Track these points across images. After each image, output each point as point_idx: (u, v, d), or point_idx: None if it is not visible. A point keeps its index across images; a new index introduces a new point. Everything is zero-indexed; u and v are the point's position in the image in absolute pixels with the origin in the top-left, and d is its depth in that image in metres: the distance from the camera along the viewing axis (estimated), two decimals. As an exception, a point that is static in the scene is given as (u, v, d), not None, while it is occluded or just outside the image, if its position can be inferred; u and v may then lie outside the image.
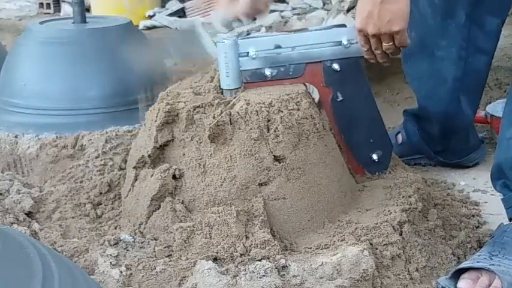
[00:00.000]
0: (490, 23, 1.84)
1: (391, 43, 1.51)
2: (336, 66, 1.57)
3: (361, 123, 1.62)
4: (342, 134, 1.60)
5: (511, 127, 1.52)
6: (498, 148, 1.57)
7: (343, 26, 1.62)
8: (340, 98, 1.59)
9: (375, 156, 1.63)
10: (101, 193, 1.67)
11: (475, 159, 2.02)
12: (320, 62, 1.57)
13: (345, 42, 1.56)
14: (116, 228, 1.55)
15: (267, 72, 1.55)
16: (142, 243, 1.42)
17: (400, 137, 2.05)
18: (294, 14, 3.79)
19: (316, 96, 1.62)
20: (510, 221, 1.55)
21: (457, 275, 1.39)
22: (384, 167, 1.66)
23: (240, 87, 1.54)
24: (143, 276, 1.30)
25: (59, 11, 4.52)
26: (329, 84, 1.58)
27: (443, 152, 2.00)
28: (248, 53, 1.53)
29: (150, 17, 4.03)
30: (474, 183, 1.93)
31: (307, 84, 1.59)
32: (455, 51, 1.85)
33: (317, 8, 3.74)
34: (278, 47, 1.55)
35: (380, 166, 1.65)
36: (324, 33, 1.58)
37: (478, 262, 1.40)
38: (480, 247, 1.52)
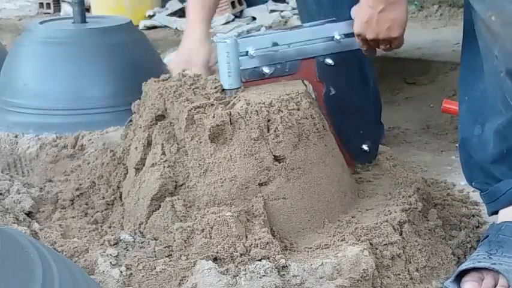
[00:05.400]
0: None
1: (388, 46, 1.58)
2: (329, 61, 1.61)
3: (351, 115, 1.67)
4: (334, 127, 1.63)
5: (476, 124, 1.53)
6: (469, 148, 1.57)
7: (334, 21, 1.65)
8: (333, 92, 1.63)
9: (365, 147, 1.68)
10: (101, 193, 1.67)
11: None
12: (314, 57, 1.61)
13: (337, 37, 1.59)
14: (116, 228, 1.55)
15: (265, 70, 1.56)
16: (142, 243, 1.42)
17: None
18: (294, 14, 3.79)
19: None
20: (492, 215, 1.56)
21: (460, 276, 1.39)
22: (373, 157, 1.71)
23: (240, 87, 1.54)
24: (143, 276, 1.30)
25: (59, 11, 4.53)
26: (322, 79, 1.62)
27: None
28: (247, 52, 1.54)
29: (150, 17, 4.04)
30: (474, 183, 1.93)
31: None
32: None
33: (317, 8, 3.74)
34: (275, 44, 1.57)
35: (369, 156, 1.70)
36: (316, 29, 1.62)
37: (479, 262, 1.39)
38: (481, 247, 1.52)
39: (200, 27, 1.81)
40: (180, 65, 1.74)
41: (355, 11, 1.60)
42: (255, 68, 1.56)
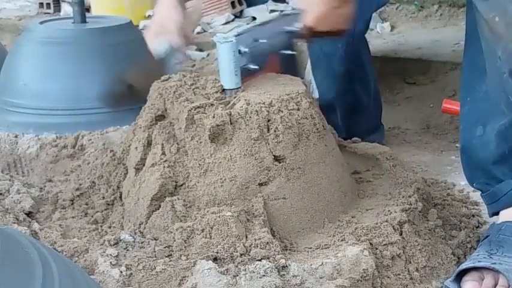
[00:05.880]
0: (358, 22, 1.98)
1: (334, 36, 1.67)
2: (289, 52, 1.66)
3: None
4: None
5: (478, 125, 1.54)
6: (470, 149, 1.57)
7: (287, 14, 1.71)
8: None
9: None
10: (101, 193, 1.67)
11: (373, 140, 2.05)
12: (279, 51, 1.65)
13: (292, 28, 1.65)
14: (116, 228, 1.55)
15: (252, 66, 1.57)
16: (142, 243, 1.42)
17: None
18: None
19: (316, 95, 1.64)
20: (492, 216, 1.56)
21: (460, 276, 1.39)
22: None
23: (241, 87, 1.54)
24: (143, 276, 1.30)
25: (59, 11, 4.52)
26: (283, 71, 1.65)
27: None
28: (240, 50, 1.55)
29: (150, 17, 4.03)
30: (474, 183, 1.93)
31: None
32: (341, 48, 1.97)
33: (317, 8, 3.73)
34: (256, 40, 1.59)
35: None
36: (276, 23, 1.68)
37: (479, 262, 1.39)
38: (481, 247, 1.52)
39: None
40: (154, 35, 1.73)
41: (302, 2, 1.64)
42: (244, 65, 1.57)
